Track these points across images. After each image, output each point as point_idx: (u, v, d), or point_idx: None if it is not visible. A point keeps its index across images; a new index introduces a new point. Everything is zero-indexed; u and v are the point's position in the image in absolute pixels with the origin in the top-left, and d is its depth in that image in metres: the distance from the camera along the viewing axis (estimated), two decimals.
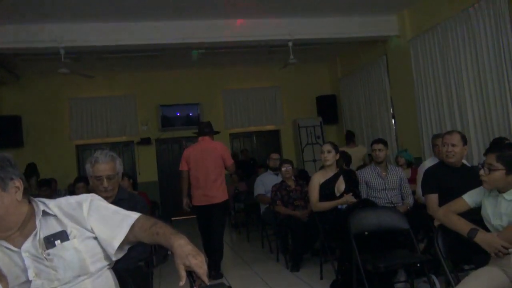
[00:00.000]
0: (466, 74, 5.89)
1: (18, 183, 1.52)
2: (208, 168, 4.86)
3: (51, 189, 6.75)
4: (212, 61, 9.08)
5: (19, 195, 1.51)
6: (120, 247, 1.58)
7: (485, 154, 2.45)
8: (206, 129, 4.99)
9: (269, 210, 5.58)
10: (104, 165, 2.59)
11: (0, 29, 6.06)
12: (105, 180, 2.57)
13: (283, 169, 5.19)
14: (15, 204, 1.50)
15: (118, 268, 1.69)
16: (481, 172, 2.36)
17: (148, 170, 9.76)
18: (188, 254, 1.40)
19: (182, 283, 1.37)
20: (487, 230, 2.39)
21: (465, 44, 5.85)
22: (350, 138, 7.61)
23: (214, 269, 4.68)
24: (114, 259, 1.60)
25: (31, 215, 1.55)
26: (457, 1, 5.96)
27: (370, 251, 3.32)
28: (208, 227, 4.89)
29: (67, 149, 9.36)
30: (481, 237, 2.31)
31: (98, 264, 1.56)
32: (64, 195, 1.63)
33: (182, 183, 4.97)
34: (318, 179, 4.20)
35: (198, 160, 4.88)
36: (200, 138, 5.00)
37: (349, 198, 3.98)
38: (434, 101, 6.61)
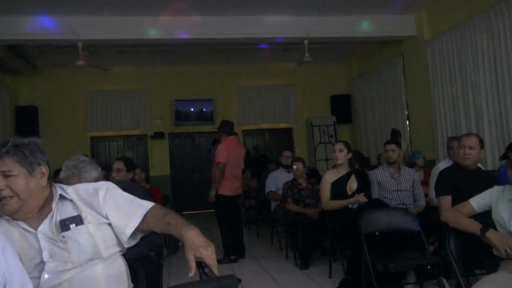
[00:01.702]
0: (484, 77, 5.82)
1: (45, 169, 1.57)
2: (239, 163, 5.53)
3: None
4: (227, 57, 9.09)
5: (44, 181, 1.56)
6: (133, 235, 1.61)
7: (502, 158, 2.41)
8: (229, 130, 5.47)
9: (279, 207, 5.59)
10: (67, 182, 2.40)
11: (19, 21, 6.16)
12: None
13: (294, 167, 5.19)
14: (39, 189, 1.55)
15: (129, 257, 1.71)
16: None
17: (160, 164, 9.84)
18: (199, 245, 1.41)
19: (191, 274, 1.39)
20: None
21: (484, 47, 5.78)
22: (394, 136, 7.44)
23: (243, 251, 5.42)
24: (126, 246, 1.63)
25: (49, 198, 1.60)
26: (476, 2, 5.89)
27: (380, 251, 3.30)
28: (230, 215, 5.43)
29: (81, 140, 9.48)
30: (493, 232, 2.26)
31: (110, 250, 1.59)
32: None
33: (220, 175, 5.21)
34: (330, 177, 4.17)
35: (234, 156, 5.35)
36: (231, 137, 5.45)
37: (361, 197, 3.95)
38: (450, 104, 6.53)
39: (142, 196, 1.71)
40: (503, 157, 4.52)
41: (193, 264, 1.39)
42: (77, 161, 2.51)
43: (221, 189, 5.23)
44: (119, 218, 1.60)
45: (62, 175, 2.48)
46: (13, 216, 1.52)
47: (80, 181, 2.44)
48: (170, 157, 10.03)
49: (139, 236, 1.65)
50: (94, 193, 1.63)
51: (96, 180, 2.51)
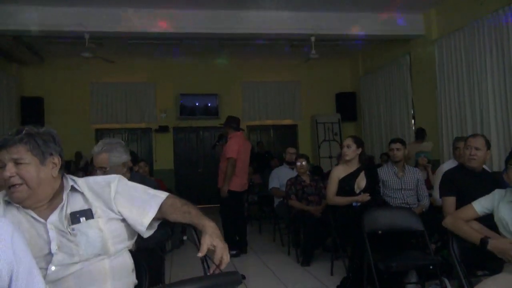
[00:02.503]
0: (491, 78, 5.78)
1: (57, 159, 1.57)
2: (247, 159, 5.56)
3: (68, 171, 6.86)
4: (234, 53, 9.08)
5: (55, 172, 1.56)
6: (150, 225, 1.62)
7: (507, 160, 2.40)
8: (236, 125, 5.48)
9: (282, 204, 5.59)
10: (96, 157, 2.59)
11: (26, 12, 6.17)
12: (97, 171, 2.60)
13: (298, 163, 5.18)
14: (50, 179, 1.55)
15: (134, 250, 1.71)
16: None
17: (164, 158, 9.85)
18: (217, 236, 1.47)
19: (201, 254, 1.43)
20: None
21: (492, 47, 5.73)
22: (419, 134, 7.14)
23: (245, 246, 5.42)
24: (145, 236, 1.63)
25: (60, 189, 1.60)
26: (486, 2, 5.83)
27: (382, 250, 3.30)
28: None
29: (86, 132, 9.50)
30: (494, 244, 2.25)
31: (118, 246, 1.59)
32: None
33: (232, 170, 5.25)
34: (338, 173, 4.07)
35: (243, 151, 5.41)
36: (239, 133, 5.47)
37: (365, 197, 3.92)
38: (456, 104, 6.50)
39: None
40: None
41: (205, 248, 1.43)
42: (114, 141, 2.66)
43: (231, 185, 5.26)
44: (134, 210, 1.60)
45: (95, 149, 2.60)
46: (22, 204, 1.52)
47: (108, 158, 2.58)
48: (174, 151, 10.04)
49: (156, 224, 1.67)
50: (105, 185, 1.63)
51: (123, 165, 2.64)
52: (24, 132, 1.52)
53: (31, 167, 1.50)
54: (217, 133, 8.25)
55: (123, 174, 2.64)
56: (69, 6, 6.24)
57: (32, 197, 1.52)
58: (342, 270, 4.09)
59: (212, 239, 1.46)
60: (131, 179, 2.67)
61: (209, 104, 9.90)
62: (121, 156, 2.65)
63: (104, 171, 2.59)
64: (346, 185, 4.01)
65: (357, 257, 3.62)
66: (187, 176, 9.99)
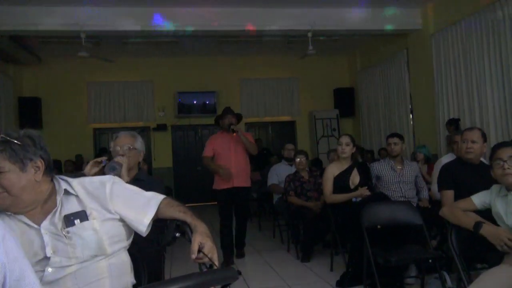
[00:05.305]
0: (489, 71, 5.78)
1: (40, 162, 1.50)
2: None
3: (59, 172, 6.85)
4: (231, 50, 9.06)
5: (39, 176, 1.50)
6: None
7: (490, 158, 2.42)
8: None
9: (282, 200, 5.59)
10: (122, 138, 2.74)
11: (23, 11, 6.15)
12: (118, 149, 2.68)
13: (296, 160, 5.18)
14: (33, 184, 1.49)
15: (133, 250, 1.71)
16: (506, 165, 2.27)
17: (163, 156, 9.85)
18: (208, 236, 1.49)
19: (194, 256, 1.44)
20: None
21: (489, 40, 5.73)
22: (454, 125, 6.33)
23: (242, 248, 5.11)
24: (145, 235, 1.64)
25: (52, 192, 1.56)
26: None
27: (381, 245, 3.30)
28: None
29: (84, 132, 9.50)
30: (487, 229, 2.27)
31: (115, 246, 1.58)
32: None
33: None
34: (332, 170, 4.16)
35: None
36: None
37: (364, 191, 3.94)
38: (454, 98, 6.50)
39: (161, 192, 1.75)
40: None
41: (196, 246, 1.45)
42: (137, 134, 2.84)
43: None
44: (132, 210, 1.61)
45: (121, 132, 2.81)
46: (7, 210, 1.49)
47: (135, 140, 2.71)
48: (172, 150, 10.04)
49: (151, 222, 1.68)
50: (100, 186, 1.61)
51: (140, 153, 2.75)
52: None
53: (11, 175, 1.44)
54: (216, 130, 8.19)
55: (135, 165, 2.74)
56: (64, 6, 6.22)
57: (16, 204, 1.47)
58: (342, 266, 4.09)
59: (202, 237, 1.48)
60: (138, 175, 2.70)
61: (207, 102, 9.88)
62: (143, 146, 2.80)
63: (128, 149, 2.65)
64: (341, 182, 4.08)
65: (357, 252, 3.62)
66: (186, 174, 9.99)
